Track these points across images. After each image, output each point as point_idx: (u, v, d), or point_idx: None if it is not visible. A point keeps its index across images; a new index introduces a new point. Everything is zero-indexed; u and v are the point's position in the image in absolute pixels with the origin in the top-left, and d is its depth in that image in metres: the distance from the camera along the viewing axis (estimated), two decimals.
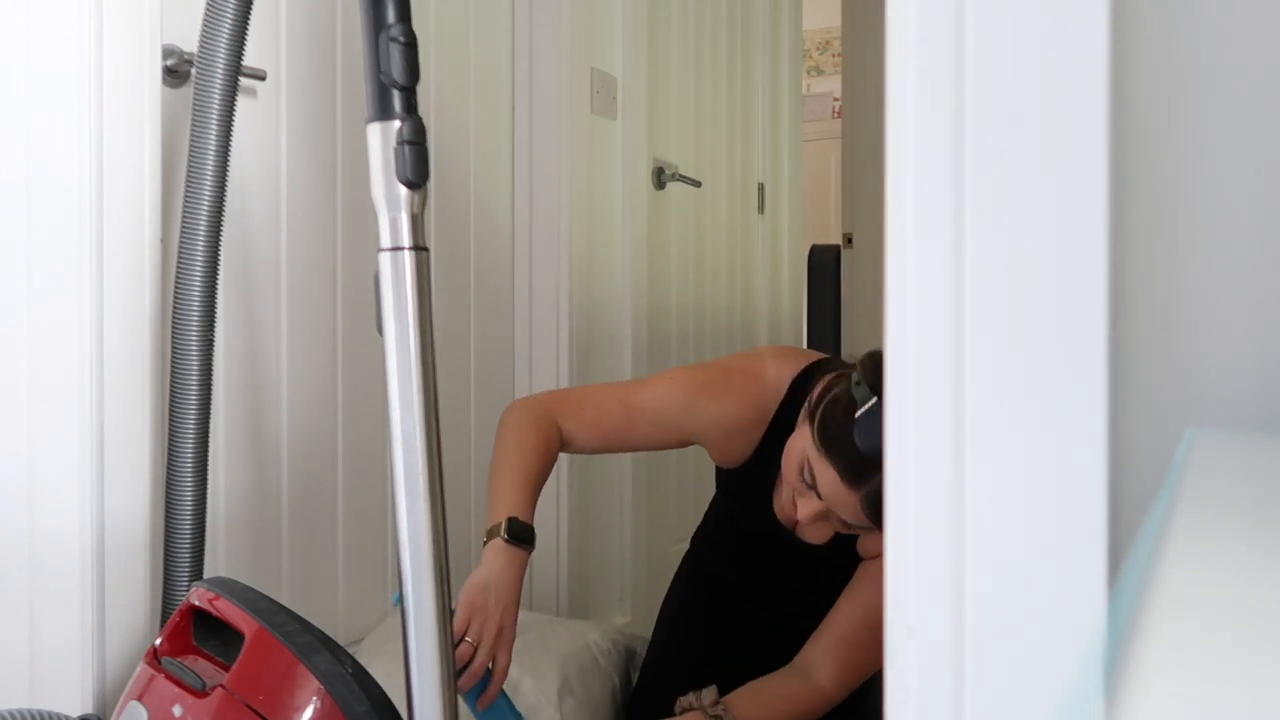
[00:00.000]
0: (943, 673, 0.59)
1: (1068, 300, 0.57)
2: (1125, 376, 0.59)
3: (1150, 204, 0.60)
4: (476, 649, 1.18)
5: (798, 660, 1.40)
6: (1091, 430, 0.57)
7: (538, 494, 1.36)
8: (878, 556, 1.37)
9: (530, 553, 1.29)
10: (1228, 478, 0.46)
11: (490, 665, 1.19)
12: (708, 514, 1.65)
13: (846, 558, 1.41)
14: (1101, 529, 0.56)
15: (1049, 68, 0.58)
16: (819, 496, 1.28)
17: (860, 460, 1.21)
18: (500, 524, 1.27)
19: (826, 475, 1.25)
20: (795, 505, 1.33)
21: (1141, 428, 0.59)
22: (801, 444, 1.29)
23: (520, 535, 1.27)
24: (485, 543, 1.28)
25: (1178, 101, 0.59)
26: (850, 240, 3.55)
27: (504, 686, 1.22)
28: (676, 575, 1.68)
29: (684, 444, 1.49)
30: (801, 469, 1.29)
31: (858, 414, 1.21)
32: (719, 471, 1.56)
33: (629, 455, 2.24)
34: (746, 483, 1.49)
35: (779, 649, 1.44)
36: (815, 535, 1.34)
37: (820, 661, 1.38)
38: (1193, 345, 0.59)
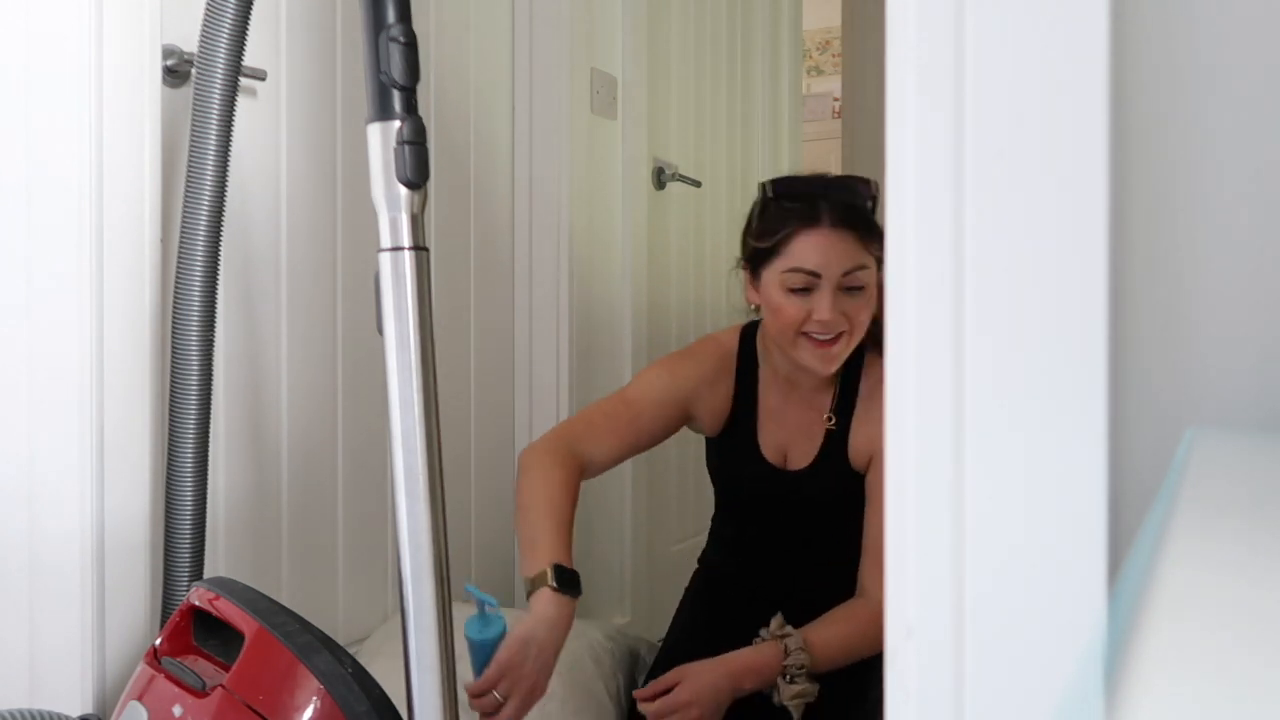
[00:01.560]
0: (943, 673, 0.59)
1: (1068, 300, 0.57)
2: (1125, 376, 0.59)
3: (1150, 204, 0.60)
4: (505, 701, 1.19)
5: (857, 589, 1.46)
6: (1091, 430, 0.57)
7: (572, 534, 1.36)
8: (869, 462, 1.47)
9: (577, 599, 1.27)
10: (1228, 478, 0.46)
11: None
12: (711, 529, 1.72)
13: (847, 506, 1.49)
14: (1101, 529, 0.56)
15: (1049, 68, 0.58)
16: (816, 275, 1.38)
17: (805, 208, 1.38)
18: (546, 571, 1.26)
19: (797, 245, 1.38)
20: (808, 340, 1.41)
21: (1141, 428, 0.59)
22: (767, 277, 1.42)
23: (569, 582, 1.26)
24: (530, 592, 1.26)
25: (1178, 101, 0.59)
26: None
27: None
28: (687, 592, 1.73)
29: (682, 420, 1.57)
30: (785, 287, 1.40)
31: (764, 185, 1.44)
32: (710, 457, 1.64)
33: None
34: (734, 439, 1.58)
35: None
36: (828, 361, 1.42)
37: (869, 579, 1.43)
38: (1193, 345, 0.59)
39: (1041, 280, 0.58)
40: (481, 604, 1.22)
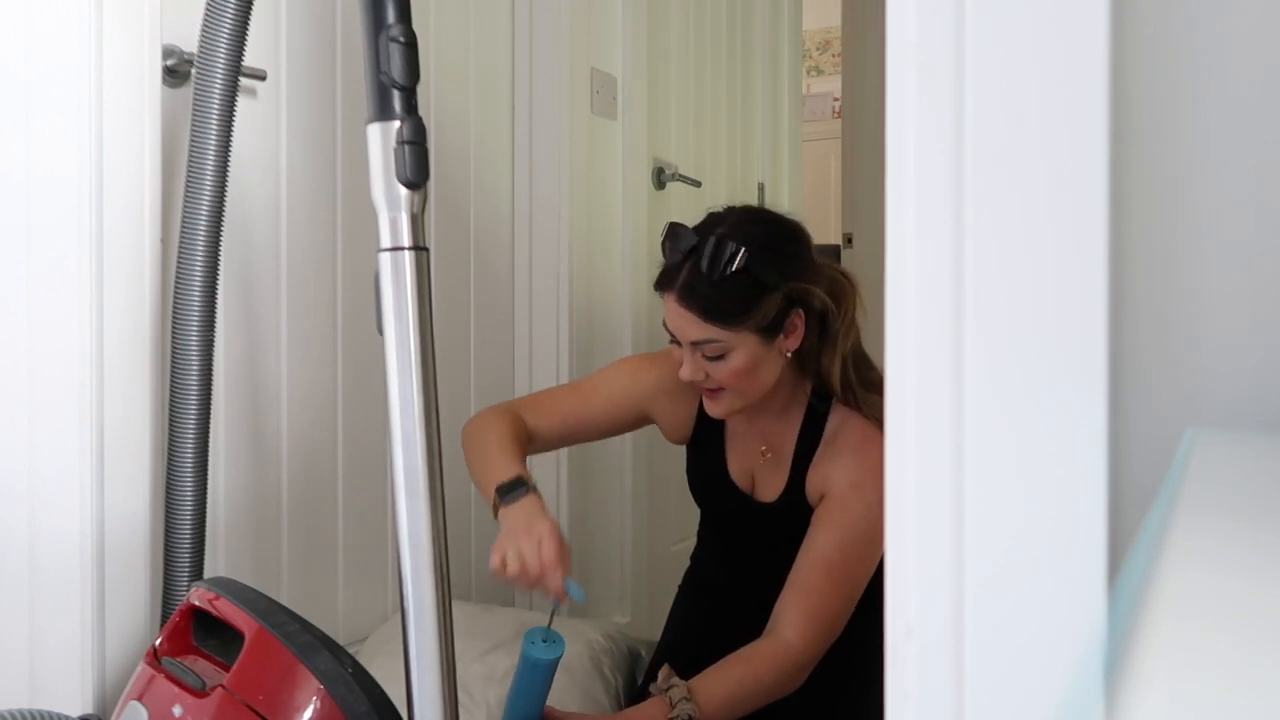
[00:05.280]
0: (943, 673, 0.59)
1: (1068, 300, 0.57)
2: (1125, 376, 0.59)
3: (1150, 204, 0.60)
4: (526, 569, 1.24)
5: (767, 626, 1.40)
6: (1091, 430, 0.57)
7: (523, 455, 1.41)
8: (822, 499, 1.43)
9: (535, 494, 1.33)
10: (1228, 478, 0.46)
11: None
12: (698, 528, 1.71)
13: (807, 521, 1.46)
14: (1101, 529, 0.56)
15: (1049, 68, 0.58)
16: (679, 344, 1.38)
17: (668, 270, 1.37)
18: (492, 497, 1.33)
19: (667, 309, 1.37)
20: (700, 386, 1.41)
21: (1141, 428, 0.59)
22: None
23: (510, 490, 1.32)
24: (498, 505, 1.33)
25: (1178, 101, 0.59)
26: (850, 240, 3.55)
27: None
28: (679, 589, 1.72)
29: (639, 420, 1.58)
30: (670, 336, 1.40)
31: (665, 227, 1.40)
32: (687, 466, 1.62)
33: (629, 455, 2.24)
34: (702, 455, 1.56)
35: None
36: (714, 408, 1.42)
37: (782, 617, 1.37)
38: (1193, 345, 0.59)
39: (1041, 280, 0.58)
40: (547, 629, 1.26)
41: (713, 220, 1.41)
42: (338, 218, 1.65)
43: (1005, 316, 0.58)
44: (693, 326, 1.35)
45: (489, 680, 1.43)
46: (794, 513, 1.46)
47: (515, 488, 1.32)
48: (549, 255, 2.07)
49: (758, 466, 1.53)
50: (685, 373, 1.39)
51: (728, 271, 1.32)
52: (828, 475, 1.44)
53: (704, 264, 1.33)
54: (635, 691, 1.61)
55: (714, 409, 1.43)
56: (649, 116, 2.41)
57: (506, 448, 1.40)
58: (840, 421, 1.46)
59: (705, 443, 1.56)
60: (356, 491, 1.69)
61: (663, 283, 1.38)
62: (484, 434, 1.43)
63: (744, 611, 1.56)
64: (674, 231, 1.39)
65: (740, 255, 1.32)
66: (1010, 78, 0.58)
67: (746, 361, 1.36)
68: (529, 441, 1.48)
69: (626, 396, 1.55)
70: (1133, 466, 0.59)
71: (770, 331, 1.37)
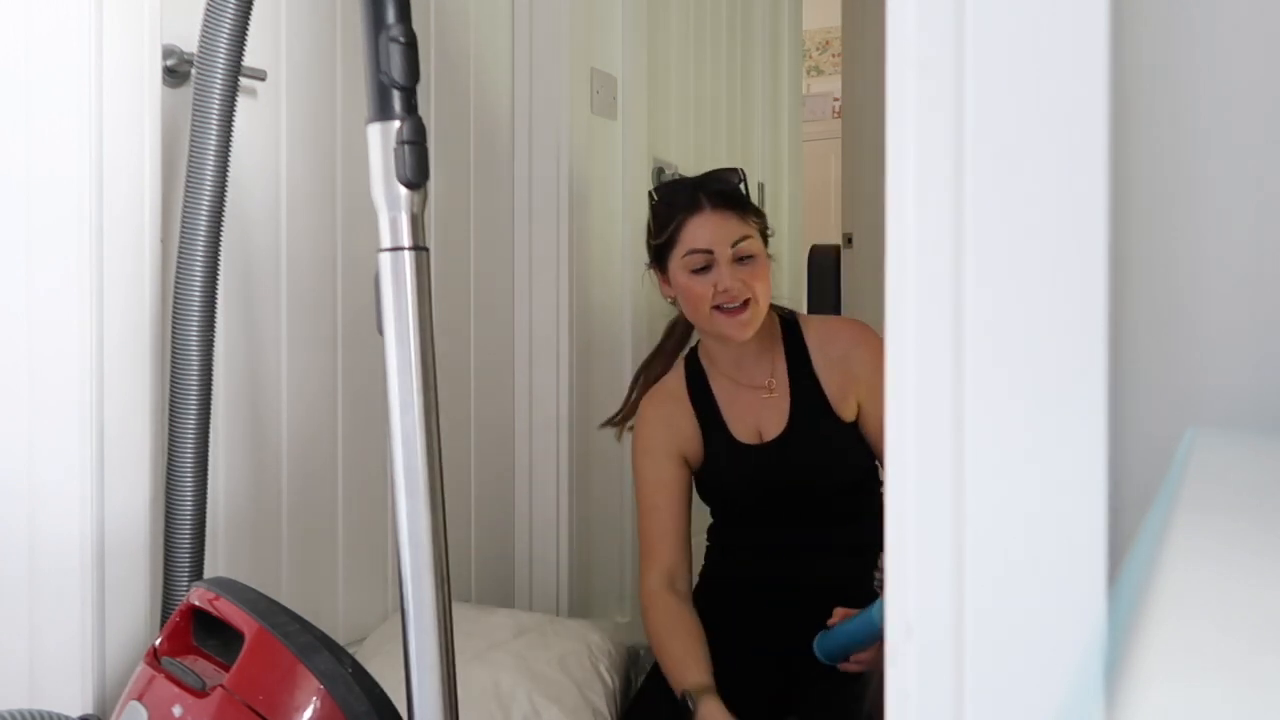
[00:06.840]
0: (943, 673, 0.59)
1: (1068, 300, 0.57)
2: (1125, 376, 0.59)
3: (1150, 204, 0.60)
4: None
5: None
6: (1091, 430, 0.57)
7: (692, 643, 1.50)
8: (858, 406, 1.60)
9: (707, 699, 1.42)
10: (1228, 478, 0.46)
11: None
12: (709, 544, 1.74)
13: (832, 463, 1.59)
14: (1101, 529, 0.56)
15: (1049, 68, 0.58)
16: (710, 252, 1.55)
17: (687, 201, 1.57)
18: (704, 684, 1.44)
19: (688, 231, 1.56)
20: (721, 314, 1.56)
21: (1141, 428, 0.59)
22: (672, 266, 1.59)
23: (690, 699, 1.42)
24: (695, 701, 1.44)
25: (1178, 101, 0.59)
26: (850, 240, 3.55)
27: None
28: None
29: (686, 465, 1.65)
30: (688, 269, 1.57)
31: (650, 193, 1.67)
32: (698, 485, 1.68)
33: (629, 457, 2.24)
34: (713, 444, 1.64)
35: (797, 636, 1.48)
36: (743, 329, 1.55)
37: None
38: (1193, 345, 0.59)
39: (1042, 280, 0.58)
40: None
41: (695, 177, 1.66)
42: (338, 218, 1.65)
43: (1005, 316, 0.58)
44: (733, 224, 1.56)
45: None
46: (804, 432, 1.58)
47: (690, 703, 1.43)
48: (549, 255, 2.07)
49: (761, 413, 1.63)
50: (726, 281, 1.54)
51: (743, 185, 1.61)
52: (837, 355, 1.60)
53: (723, 181, 1.60)
54: (633, 692, 1.61)
55: (744, 327, 1.56)
56: (649, 116, 2.41)
57: (677, 652, 1.49)
58: (817, 328, 1.65)
59: (713, 432, 1.64)
60: (356, 491, 1.69)
61: (687, 206, 1.57)
62: (655, 637, 1.53)
63: (771, 609, 1.57)
64: (669, 187, 1.66)
65: (742, 175, 1.63)
66: (1010, 77, 0.58)
67: (764, 259, 1.58)
68: (675, 581, 1.56)
69: (666, 468, 1.63)
70: (1133, 466, 0.59)
71: (764, 239, 1.62)
